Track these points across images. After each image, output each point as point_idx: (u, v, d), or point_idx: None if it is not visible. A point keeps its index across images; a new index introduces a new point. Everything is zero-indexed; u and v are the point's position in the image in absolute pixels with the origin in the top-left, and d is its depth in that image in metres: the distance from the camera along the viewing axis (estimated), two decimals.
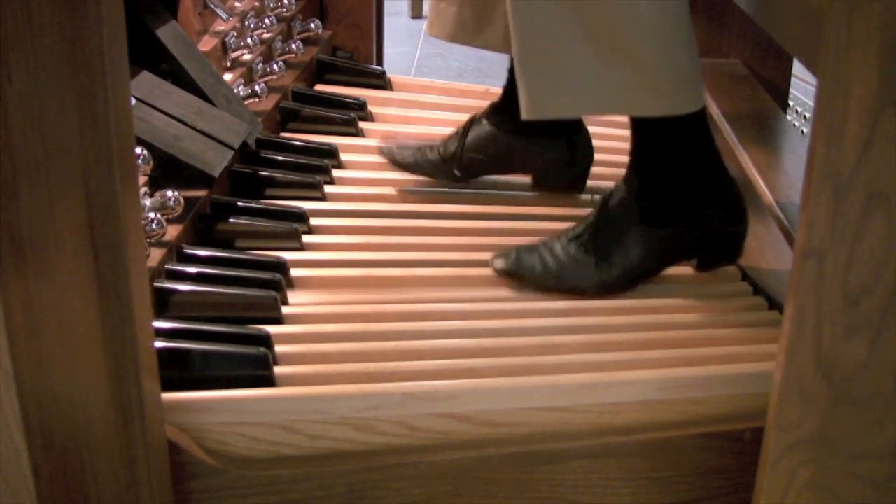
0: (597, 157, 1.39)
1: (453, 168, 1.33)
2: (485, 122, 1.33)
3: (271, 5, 1.59)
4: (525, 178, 1.39)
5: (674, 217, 1.12)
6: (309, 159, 1.38)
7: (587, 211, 1.36)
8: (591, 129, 1.38)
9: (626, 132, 1.18)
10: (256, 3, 1.57)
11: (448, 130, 1.53)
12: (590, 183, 1.39)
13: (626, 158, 1.15)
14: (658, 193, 1.11)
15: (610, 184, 1.22)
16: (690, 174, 1.10)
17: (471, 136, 1.33)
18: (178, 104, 1.22)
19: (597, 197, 1.15)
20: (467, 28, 1.31)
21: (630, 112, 1.08)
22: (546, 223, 1.31)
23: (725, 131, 1.43)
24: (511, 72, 1.30)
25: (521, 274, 1.14)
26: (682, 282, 1.22)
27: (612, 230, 1.12)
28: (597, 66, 1.01)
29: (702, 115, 1.08)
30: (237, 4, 1.54)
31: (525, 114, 1.05)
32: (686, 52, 1.03)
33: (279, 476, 0.89)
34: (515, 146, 1.32)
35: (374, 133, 1.53)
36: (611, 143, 1.53)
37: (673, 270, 1.23)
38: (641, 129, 1.11)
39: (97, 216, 0.71)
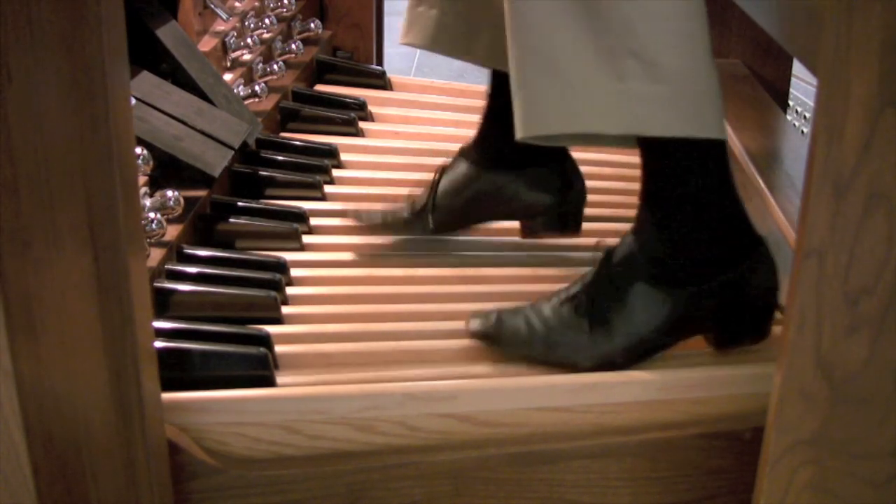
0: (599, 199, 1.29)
1: (427, 219, 1.17)
2: (461, 161, 1.17)
3: (271, 5, 1.59)
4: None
5: (690, 276, 0.94)
6: (309, 159, 1.38)
7: None
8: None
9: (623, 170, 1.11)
10: (256, 3, 1.57)
11: (448, 130, 1.53)
12: (600, 184, 1.33)
13: (628, 199, 1.01)
14: (672, 246, 0.93)
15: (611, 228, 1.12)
16: (712, 222, 0.93)
17: (444, 182, 1.17)
18: (178, 104, 1.22)
19: (598, 255, 0.97)
20: (449, 36, 1.14)
21: (645, 130, 0.88)
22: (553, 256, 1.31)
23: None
24: (490, 96, 1.16)
25: (501, 337, 0.98)
26: None
27: (613, 292, 0.95)
28: (606, 74, 0.85)
29: (724, 150, 0.92)
30: (237, 4, 1.54)
31: (520, 132, 0.90)
32: (708, 61, 0.86)
33: (279, 476, 0.89)
34: (498, 183, 1.15)
35: (375, 133, 1.53)
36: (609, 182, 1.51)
37: None
38: (653, 163, 0.93)
39: (97, 216, 0.71)
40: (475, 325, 1.00)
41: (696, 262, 0.93)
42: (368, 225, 1.21)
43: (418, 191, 1.20)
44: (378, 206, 1.23)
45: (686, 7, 0.85)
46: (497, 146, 1.11)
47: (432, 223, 1.17)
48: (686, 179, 0.92)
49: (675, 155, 0.91)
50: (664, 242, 0.93)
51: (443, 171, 1.18)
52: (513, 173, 1.14)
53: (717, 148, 0.91)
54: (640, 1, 0.84)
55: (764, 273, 0.96)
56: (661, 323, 0.94)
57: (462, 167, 1.16)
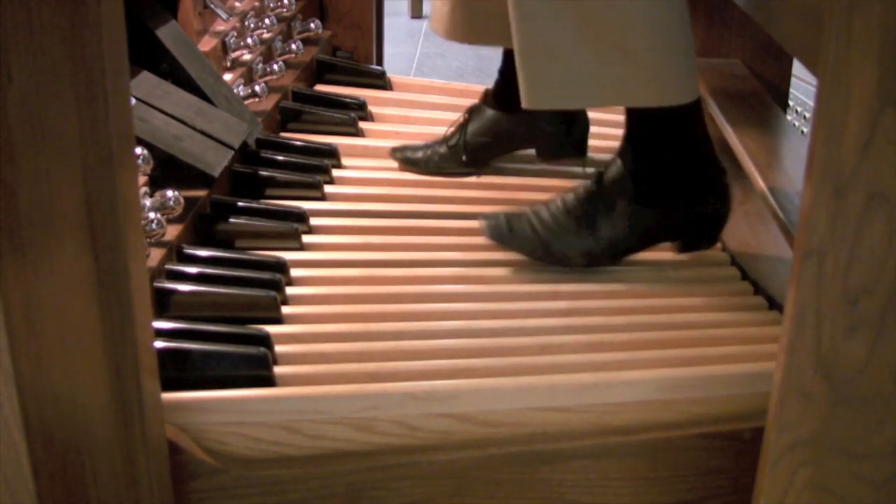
0: (599, 131, 1.45)
1: (461, 155, 1.40)
2: (486, 108, 1.40)
3: (271, 5, 1.59)
4: (526, 177, 1.38)
5: (665, 198, 1.15)
6: (309, 159, 1.38)
7: None
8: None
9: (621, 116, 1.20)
10: (256, 3, 1.57)
11: (448, 130, 1.53)
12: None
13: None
14: (651, 175, 1.14)
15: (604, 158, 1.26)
16: (683, 159, 1.14)
17: (472, 124, 1.40)
18: (178, 104, 1.22)
19: (590, 170, 1.18)
20: (460, 27, 1.36)
21: (626, 103, 1.12)
22: None
23: (725, 131, 1.43)
24: (507, 57, 1.38)
25: (509, 237, 1.18)
26: (683, 281, 1.22)
27: (604, 204, 1.15)
28: (594, 63, 1.04)
29: (696, 104, 1.12)
30: (237, 4, 1.54)
31: (525, 103, 1.09)
32: (682, 46, 1.06)
33: (279, 476, 0.89)
34: (517, 124, 1.38)
35: (375, 133, 1.53)
36: (609, 121, 1.53)
37: (672, 272, 1.23)
38: (636, 114, 1.14)
39: (97, 216, 0.71)
40: (486, 226, 1.19)
41: (670, 186, 1.15)
42: (412, 160, 1.42)
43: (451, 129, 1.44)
44: (415, 142, 1.44)
45: (663, 5, 1.03)
46: (514, 95, 1.25)
47: (465, 157, 1.41)
48: (661, 124, 1.13)
49: (653, 111, 1.11)
50: (644, 170, 1.15)
51: (470, 112, 1.42)
52: (528, 114, 1.32)
53: (690, 104, 1.11)
54: (621, 6, 1.01)
55: (720, 195, 1.17)
56: (639, 231, 1.17)
57: (487, 112, 1.40)
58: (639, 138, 1.15)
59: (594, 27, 1.03)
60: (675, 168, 1.15)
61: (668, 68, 1.06)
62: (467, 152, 1.41)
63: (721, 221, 1.19)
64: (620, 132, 1.29)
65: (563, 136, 1.40)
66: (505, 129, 1.40)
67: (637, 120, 1.15)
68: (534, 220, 1.17)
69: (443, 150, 1.42)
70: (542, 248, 1.17)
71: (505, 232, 1.18)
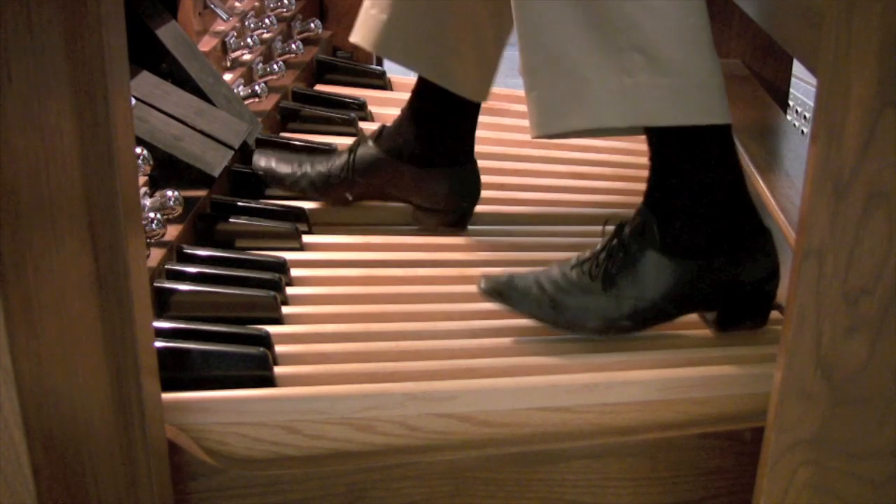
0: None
1: (344, 191, 1.25)
2: (371, 145, 1.24)
3: (271, 5, 1.59)
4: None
5: (696, 250, 0.98)
6: None
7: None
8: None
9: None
10: (256, 3, 1.57)
11: None
12: (600, 184, 1.38)
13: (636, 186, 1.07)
14: (681, 219, 0.98)
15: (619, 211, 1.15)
16: (718, 200, 0.98)
17: (358, 160, 1.24)
18: (178, 104, 1.22)
19: (609, 227, 1.01)
20: (395, 42, 1.20)
21: (653, 122, 0.94)
22: (551, 227, 1.31)
23: None
24: (414, 97, 1.23)
25: (510, 295, 1.01)
26: None
27: (625, 258, 0.98)
28: (613, 70, 0.90)
29: (729, 135, 0.98)
30: (237, 4, 1.54)
31: (535, 130, 0.97)
32: (710, 53, 0.92)
33: (279, 476, 0.89)
34: (403, 174, 1.23)
35: None
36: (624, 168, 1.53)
37: None
38: (661, 145, 0.99)
39: (97, 216, 0.71)
40: (485, 283, 1.03)
41: (702, 236, 0.98)
42: (275, 176, 1.27)
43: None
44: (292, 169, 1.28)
45: (686, 4, 0.90)
46: (409, 143, 1.21)
47: (350, 196, 1.26)
48: (693, 159, 0.97)
49: (683, 138, 0.95)
50: (675, 216, 0.98)
51: (357, 146, 1.25)
52: (420, 171, 1.23)
53: (722, 131, 0.96)
54: (643, 0, 0.89)
55: (764, 261, 1.01)
56: (667, 291, 0.98)
57: (371, 150, 1.24)
58: (665, 174, 0.98)
59: (609, 26, 0.89)
60: (710, 211, 0.98)
61: (698, 75, 0.91)
62: (352, 192, 1.25)
63: (769, 290, 1.01)
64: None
65: (452, 197, 1.24)
66: (388, 177, 1.24)
67: (664, 150, 0.98)
68: (542, 277, 1.01)
69: (315, 175, 1.26)
70: (551, 308, 1.00)
71: (505, 290, 1.01)
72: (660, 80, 0.90)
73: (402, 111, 1.25)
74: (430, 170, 1.23)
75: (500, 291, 1.02)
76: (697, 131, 0.94)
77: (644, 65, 0.90)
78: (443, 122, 1.22)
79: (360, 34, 1.23)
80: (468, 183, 1.25)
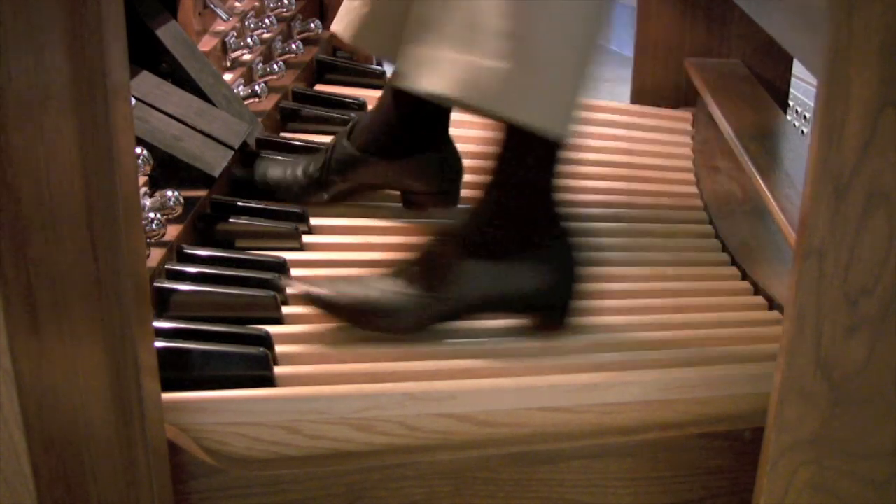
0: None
1: (322, 193, 1.26)
2: (346, 143, 1.24)
3: (271, 5, 1.59)
4: None
5: (503, 253, 1.02)
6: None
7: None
8: None
9: None
10: (256, 3, 1.57)
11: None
12: (599, 184, 1.38)
13: None
14: (497, 227, 1.02)
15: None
16: (529, 210, 1.02)
17: (334, 161, 1.25)
18: (178, 104, 1.22)
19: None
20: (374, 34, 1.20)
21: (494, 108, 0.94)
22: None
23: (726, 131, 1.43)
24: (388, 85, 1.24)
25: (329, 301, 1.02)
26: (682, 281, 1.22)
27: (438, 261, 1.01)
28: (465, 47, 0.91)
29: (556, 155, 1.00)
30: (237, 4, 1.54)
31: (397, 81, 0.99)
32: (582, 72, 0.94)
33: (279, 476, 0.89)
34: (380, 168, 1.24)
35: None
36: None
37: (672, 272, 1.23)
38: (501, 157, 1.01)
39: (97, 216, 0.71)
40: (301, 288, 1.03)
41: (509, 241, 1.01)
42: (269, 180, 1.27)
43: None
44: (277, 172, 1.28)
45: (583, 22, 0.92)
46: (383, 137, 1.21)
47: (327, 196, 1.26)
48: (520, 171, 1.01)
49: (520, 146, 0.98)
50: (484, 222, 1.02)
51: (333, 147, 1.25)
52: (396, 162, 1.23)
53: (553, 149, 0.99)
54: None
55: (562, 270, 1.04)
56: (481, 292, 1.01)
57: (347, 150, 1.24)
58: (497, 185, 1.01)
59: (495, 8, 0.89)
60: (526, 221, 1.01)
61: (558, 88, 0.92)
62: (327, 189, 1.26)
63: (564, 298, 1.04)
64: None
65: (434, 187, 1.25)
66: (369, 173, 1.24)
67: (499, 154, 1.01)
68: (363, 284, 1.03)
69: (301, 177, 1.27)
70: (369, 315, 1.01)
71: (321, 297, 1.02)
72: (520, 72, 0.91)
73: (376, 105, 1.26)
74: (407, 159, 1.24)
75: (319, 298, 1.02)
76: (534, 142, 0.96)
77: (511, 53, 0.90)
78: (416, 112, 1.21)
79: (340, 25, 1.22)
80: (447, 164, 1.26)
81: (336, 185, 1.25)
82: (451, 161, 1.26)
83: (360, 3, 1.20)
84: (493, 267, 1.01)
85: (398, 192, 1.30)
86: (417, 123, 1.22)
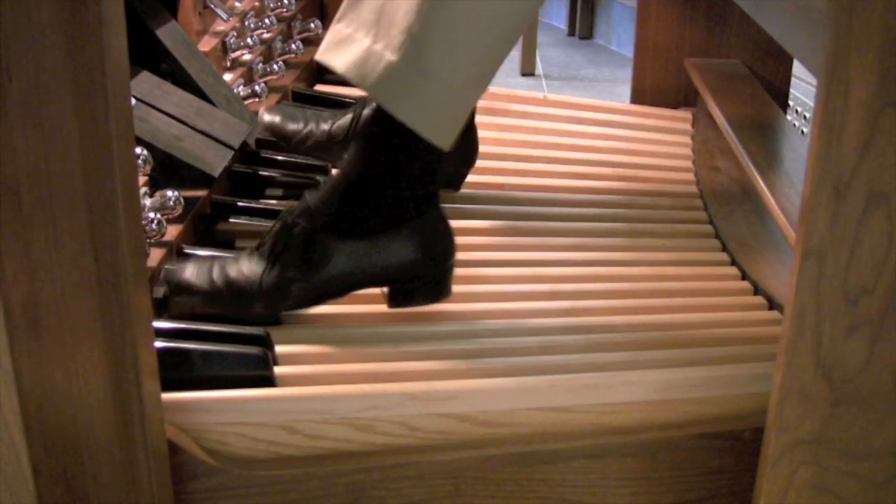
0: None
1: (344, 152, 1.21)
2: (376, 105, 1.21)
3: (271, 5, 1.59)
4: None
5: (367, 232, 1.02)
6: (309, 159, 1.37)
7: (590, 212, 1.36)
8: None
9: None
10: (256, 3, 1.57)
11: None
12: (599, 184, 1.38)
13: None
14: (354, 205, 1.02)
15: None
16: (395, 195, 1.02)
17: (362, 119, 1.26)
18: (178, 104, 1.22)
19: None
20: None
21: (378, 98, 0.97)
22: (550, 223, 1.32)
23: (725, 131, 1.43)
24: None
25: (181, 286, 1.01)
26: (681, 281, 1.22)
27: (291, 241, 1.01)
28: (380, 38, 0.93)
29: (436, 156, 1.00)
30: (237, 4, 1.54)
31: (318, 55, 1.02)
32: (476, 84, 0.95)
33: (279, 476, 0.89)
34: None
35: None
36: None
37: (672, 272, 1.23)
38: (368, 138, 1.03)
39: (97, 216, 0.71)
40: (164, 273, 1.02)
41: (367, 219, 1.02)
42: (276, 129, 1.28)
43: None
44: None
45: (491, 32, 0.92)
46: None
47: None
48: (378, 154, 1.01)
49: (386, 134, 0.99)
50: (343, 199, 1.02)
51: (361, 108, 1.25)
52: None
53: (431, 152, 0.98)
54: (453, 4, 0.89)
55: (413, 248, 1.03)
56: (334, 271, 1.01)
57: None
58: (358, 158, 1.02)
59: (408, 4, 0.91)
60: (386, 200, 1.01)
61: (443, 95, 0.93)
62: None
63: (416, 274, 1.04)
64: None
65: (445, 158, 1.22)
66: None
67: (368, 135, 1.03)
68: (215, 269, 1.02)
69: (322, 132, 1.26)
70: (221, 300, 1.01)
71: (178, 277, 1.01)
72: (409, 72, 0.92)
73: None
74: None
75: (175, 282, 1.02)
76: (404, 134, 0.96)
77: (406, 49, 0.91)
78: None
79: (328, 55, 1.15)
80: (465, 145, 1.25)
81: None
82: (473, 143, 1.27)
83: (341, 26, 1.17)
84: (353, 244, 1.02)
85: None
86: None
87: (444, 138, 0.96)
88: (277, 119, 1.31)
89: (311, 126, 1.29)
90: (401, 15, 0.92)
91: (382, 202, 1.02)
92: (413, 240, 1.03)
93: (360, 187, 1.02)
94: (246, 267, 1.01)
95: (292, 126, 1.29)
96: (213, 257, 1.06)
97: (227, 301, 1.01)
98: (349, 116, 1.28)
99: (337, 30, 0.99)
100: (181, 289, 1.01)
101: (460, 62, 0.93)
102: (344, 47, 0.98)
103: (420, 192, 1.04)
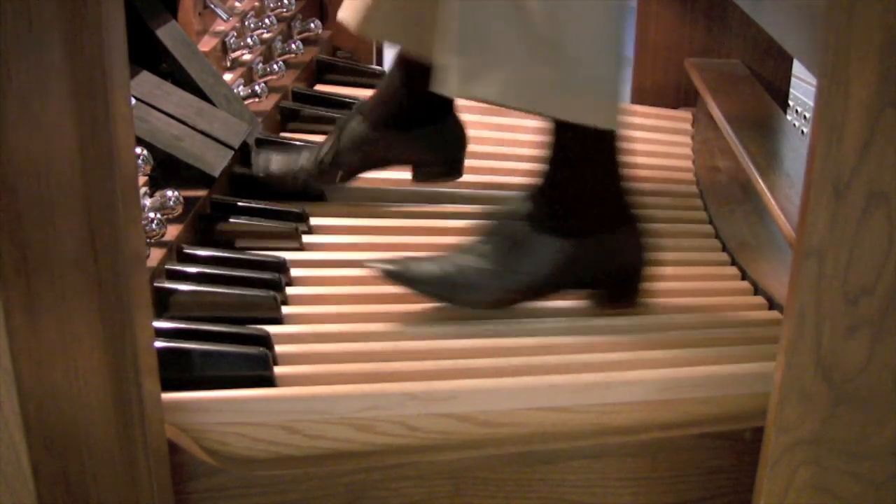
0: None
1: (334, 173, 1.30)
2: (359, 121, 1.29)
3: (271, 5, 1.59)
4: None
5: (576, 231, 1.08)
6: None
7: None
8: None
9: None
10: (256, 3, 1.57)
11: None
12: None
13: None
14: (564, 203, 1.08)
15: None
16: (596, 191, 1.08)
17: (344, 139, 1.30)
18: (178, 104, 1.22)
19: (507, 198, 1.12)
20: (380, 22, 1.25)
21: (546, 111, 1.03)
22: None
23: (725, 131, 1.43)
24: (397, 67, 1.29)
25: (409, 277, 1.07)
26: (681, 281, 1.22)
27: (513, 239, 1.08)
28: (524, 55, 0.97)
29: (613, 136, 1.06)
30: (237, 4, 1.54)
31: (441, 88, 1.02)
32: (615, 65, 1.00)
33: (279, 476, 0.89)
34: (391, 142, 1.29)
35: None
36: None
37: (672, 272, 1.23)
38: (556, 138, 1.07)
39: (97, 216, 0.71)
40: (382, 265, 1.08)
41: (581, 220, 1.08)
42: (274, 174, 1.30)
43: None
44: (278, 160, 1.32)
45: (607, 16, 0.98)
46: (394, 110, 1.26)
47: (338, 178, 1.31)
48: (578, 152, 1.06)
49: (574, 132, 1.04)
50: (558, 200, 1.08)
51: (342, 129, 1.29)
52: (405, 133, 1.28)
53: (609, 133, 1.05)
54: (567, 2, 0.95)
55: (632, 246, 1.11)
56: (551, 268, 1.07)
57: (358, 127, 1.29)
58: (553, 162, 1.07)
59: (529, 17, 0.96)
60: (588, 197, 1.08)
61: (598, 83, 0.99)
62: (340, 173, 1.30)
63: (636, 271, 1.12)
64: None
65: (440, 157, 1.32)
66: (380, 146, 1.29)
67: (555, 140, 1.07)
68: (439, 260, 1.08)
69: (308, 165, 1.30)
70: (447, 289, 1.07)
71: (403, 274, 1.07)
72: (562, 75, 0.98)
73: (382, 83, 1.31)
74: (414, 131, 1.29)
75: (399, 274, 1.07)
76: (587, 129, 1.02)
77: (552, 58, 0.97)
78: (422, 87, 1.22)
79: (346, 13, 1.27)
80: (452, 134, 1.32)
81: (349, 163, 1.29)
82: (457, 131, 1.32)
83: None
84: (564, 244, 1.07)
85: (400, 182, 1.33)
86: (426, 97, 1.24)
87: (614, 120, 1.02)
88: (270, 167, 1.31)
89: (300, 161, 1.30)
90: (530, 30, 0.96)
91: (592, 203, 1.08)
92: (618, 246, 1.10)
93: (571, 188, 1.08)
94: (465, 261, 1.07)
95: (282, 169, 1.30)
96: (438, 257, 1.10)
97: (447, 292, 1.07)
98: (331, 138, 1.29)
99: (461, 63, 1.00)
100: (396, 277, 1.07)
101: (597, 48, 0.98)
102: (479, 77, 0.99)
103: (622, 194, 1.09)
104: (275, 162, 1.31)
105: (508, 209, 1.10)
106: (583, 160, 1.07)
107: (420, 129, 1.29)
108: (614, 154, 1.08)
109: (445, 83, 1.00)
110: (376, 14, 1.24)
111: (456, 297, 1.07)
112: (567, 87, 0.98)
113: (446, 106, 1.30)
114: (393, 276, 1.07)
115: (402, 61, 1.28)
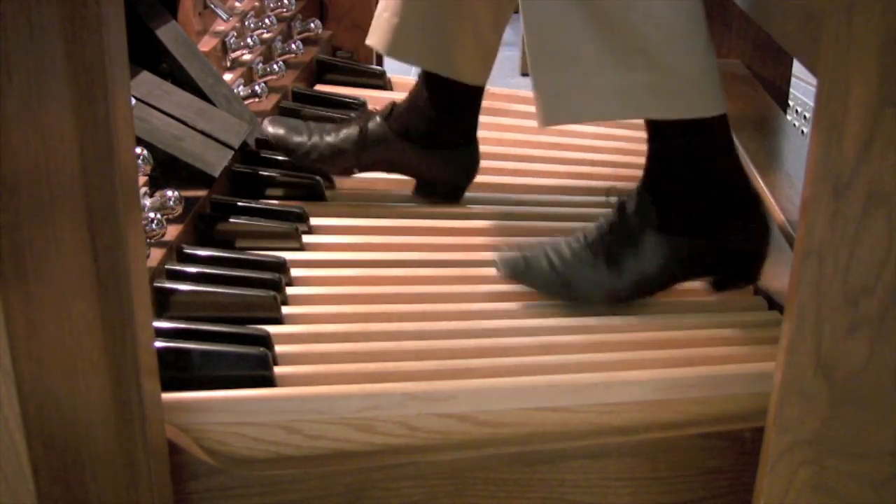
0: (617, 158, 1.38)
1: (352, 163, 1.32)
2: (380, 121, 1.31)
3: (271, 5, 1.59)
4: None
5: (692, 227, 1.08)
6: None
7: (585, 211, 1.36)
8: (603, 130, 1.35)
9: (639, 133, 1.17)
10: (256, 3, 1.57)
11: None
12: (599, 183, 1.38)
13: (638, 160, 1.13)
14: (677, 200, 1.08)
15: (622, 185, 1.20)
16: (711, 182, 1.07)
17: (369, 131, 1.31)
18: (178, 104, 1.22)
19: (612, 199, 1.12)
20: (406, 44, 1.27)
21: (649, 115, 1.04)
22: (551, 223, 1.32)
23: None
24: (421, 79, 1.30)
25: (527, 275, 1.11)
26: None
27: (628, 236, 1.08)
28: (615, 69, 0.99)
29: (724, 122, 1.06)
30: (237, 4, 1.54)
31: (541, 122, 1.05)
32: (705, 53, 1.00)
33: (279, 476, 0.89)
34: (408, 152, 1.31)
35: None
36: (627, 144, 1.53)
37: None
38: (659, 132, 1.08)
39: (97, 216, 0.71)
40: (502, 262, 1.12)
41: (698, 212, 1.07)
42: (299, 156, 1.32)
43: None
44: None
45: (685, 8, 0.98)
46: (418, 125, 1.28)
47: (357, 168, 1.33)
48: (686, 142, 1.06)
49: (678, 126, 1.04)
50: (671, 196, 1.08)
51: (367, 121, 1.31)
52: (425, 151, 1.30)
53: (716, 120, 1.04)
54: (641, 6, 0.96)
55: (756, 226, 1.09)
56: (665, 264, 1.08)
57: (381, 128, 1.31)
58: (663, 159, 1.08)
59: (611, 27, 0.97)
60: (704, 191, 1.07)
61: (692, 75, 1.00)
62: (357, 163, 1.32)
63: (759, 252, 1.10)
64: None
65: (453, 175, 1.33)
66: (395, 153, 1.31)
67: (660, 138, 1.08)
68: (552, 255, 1.10)
69: (326, 144, 1.31)
70: (561, 285, 1.10)
71: (521, 268, 1.11)
72: (656, 79, 0.99)
73: (411, 94, 1.32)
74: (433, 150, 1.31)
75: (519, 272, 1.11)
76: (691, 121, 1.02)
77: (644, 64, 0.98)
78: (447, 108, 1.30)
79: (375, 38, 1.30)
80: (467, 162, 1.33)
81: (364, 159, 1.31)
82: (474, 158, 1.34)
83: (389, 15, 1.27)
84: (675, 242, 1.07)
85: (400, 183, 1.34)
86: (449, 120, 1.30)
87: (719, 104, 1.02)
88: (281, 131, 1.33)
89: (316, 139, 1.31)
90: (621, 42, 0.98)
91: (704, 196, 1.07)
92: (744, 227, 1.09)
93: (681, 184, 1.07)
94: (576, 257, 1.10)
95: (296, 138, 1.32)
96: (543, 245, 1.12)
97: (566, 293, 1.10)
98: (355, 128, 1.31)
99: (559, 86, 1.02)
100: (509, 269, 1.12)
101: (688, 43, 0.99)
102: (581, 97, 1.02)
103: (734, 183, 1.08)
104: (288, 130, 1.33)
105: (619, 205, 1.11)
106: (691, 152, 1.07)
107: (442, 150, 1.31)
108: (721, 139, 1.07)
109: (548, 113, 1.03)
110: (401, 36, 1.27)
111: (566, 294, 1.10)
112: (665, 88, 0.99)
113: (471, 131, 1.32)
114: (514, 276, 1.11)
115: (427, 79, 1.29)
